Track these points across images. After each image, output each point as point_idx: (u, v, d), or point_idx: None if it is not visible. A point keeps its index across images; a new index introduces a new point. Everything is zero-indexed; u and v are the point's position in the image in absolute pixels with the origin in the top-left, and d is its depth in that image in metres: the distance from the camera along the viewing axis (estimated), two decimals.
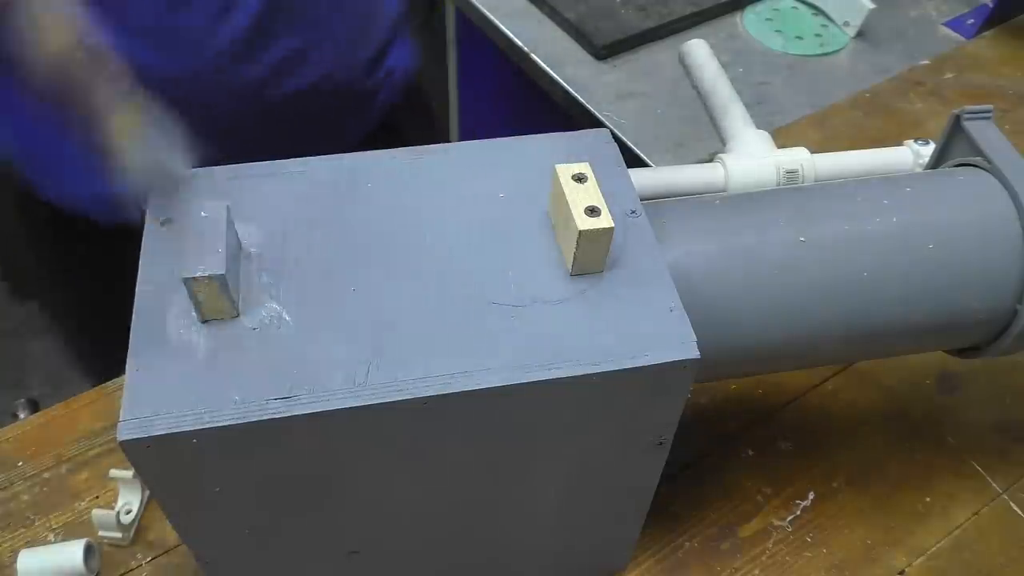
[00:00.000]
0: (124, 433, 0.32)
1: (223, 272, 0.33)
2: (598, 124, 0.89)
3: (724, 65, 0.77)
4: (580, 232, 0.36)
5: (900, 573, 0.54)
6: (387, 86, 0.76)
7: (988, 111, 0.49)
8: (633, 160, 0.85)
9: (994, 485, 0.58)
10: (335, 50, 0.68)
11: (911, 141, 0.71)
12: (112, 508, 0.52)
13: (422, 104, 0.87)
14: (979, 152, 0.47)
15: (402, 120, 0.81)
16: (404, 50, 0.78)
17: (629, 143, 0.86)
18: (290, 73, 0.65)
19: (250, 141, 0.65)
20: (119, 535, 0.52)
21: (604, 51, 0.95)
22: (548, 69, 0.95)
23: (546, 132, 0.44)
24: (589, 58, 0.96)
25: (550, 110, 0.98)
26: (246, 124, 0.64)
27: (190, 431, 0.32)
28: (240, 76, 0.62)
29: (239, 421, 0.32)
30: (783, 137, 0.78)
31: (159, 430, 0.32)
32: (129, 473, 0.53)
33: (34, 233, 0.75)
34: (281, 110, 0.66)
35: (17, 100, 0.59)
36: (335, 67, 0.68)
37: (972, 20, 1.02)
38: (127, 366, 0.34)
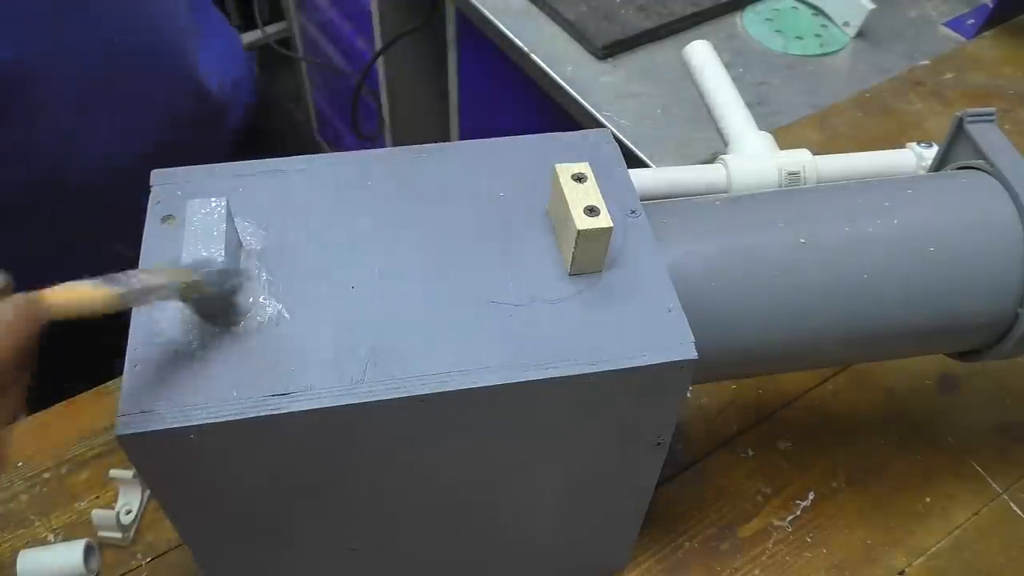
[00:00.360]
0: (122, 428, 0.32)
1: (222, 268, 0.33)
2: (598, 124, 0.89)
3: (724, 65, 0.77)
4: (579, 232, 0.36)
5: (900, 573, 0.54)
6: (235, 100, 0.74)
7: (991, 113, 0.49)
8: (633, 160, 0.85)
9: (994, 485, 0.58)
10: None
11: (914, 144, 0.71)
12: (112, 508, 0.52)
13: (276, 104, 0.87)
14: (981, 155, 0.47)
15: (263, 120, 0.81)
16: (234, 58, 0.76)
17: (629, 143, 0.86)
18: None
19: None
20: (119, 535, 0.52)
21: (604, 51, 0.95)
22: (548, 69, 0.95)
23: (546, 132, 0.44)
24: (589, 58, 0.96)
25: (550, 110, 0.98)
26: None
27: (188, 426, 0.32)
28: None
29: (237, 417, 0.32)
30: (783, 137, 0.78)
31: (157, 425, 0.32)
32: (129, 473, 0.53)
33: None
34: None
35: None
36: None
37: (972, 20, 1.02)
38: (126, 362, 0.34)
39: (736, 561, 0.54)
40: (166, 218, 0.38)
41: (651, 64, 0.96)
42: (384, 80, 1.54)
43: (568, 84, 0.93)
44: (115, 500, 0.53)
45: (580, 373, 0.35)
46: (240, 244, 0.37)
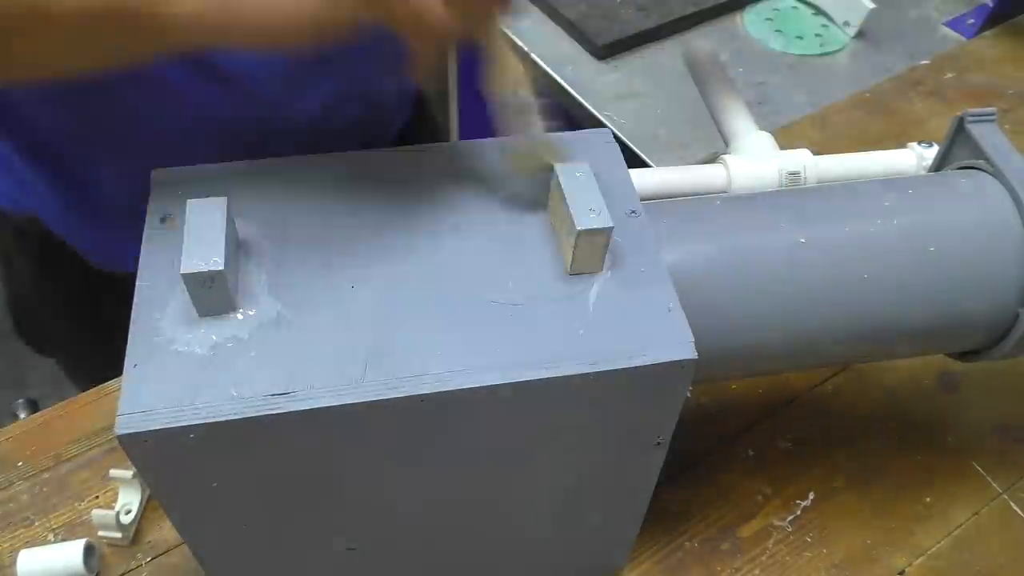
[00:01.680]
0: (122, 427, 0.32)
1: (222, 268, 0.33)
2: (598, 124, 0.89)
3: (724, 65, 0.77)
4: (579, 232, 0.36)
5: (900, 573, 0.54)
6: (402, 106, 0.75)
7: (991, 114, 0.49)
8: (633, 160, 0.85)
9: (994, 485, 0.58)
10: (366, 95, 0.67)
11: (915, 144, 0.71)
12: (112, 508, 0.52)
13: (428, 115, 0.87)
14: (982, 155, 0.47)
15: (414, 132, 0.81)
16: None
17: (629, 143, 0.86)
18: (327, 117, 0.65)
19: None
20: (119, 535, 0.52)
21: (604, 51, 0.95)
22: (548, 69, 0.95)
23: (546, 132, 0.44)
24: (589, 58, 0.96)
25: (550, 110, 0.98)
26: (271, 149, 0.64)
27: (188, 426, 0.32)
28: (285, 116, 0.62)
29: (237, 417, 0.32)
30: (783, 137, 0.78)
31: (157, 425, 0.32)
32: (129, 473, 0.53)
33: (58, 287, 0.71)
34: (311, 142, 0.65)
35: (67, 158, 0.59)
36: (365, 108, 0.68)
37: (972, 20, 1.02)
38: (125, 361, 0.34)
39: (736, 561, 0.54)
40: (165, 218, 0.38)
41: (651, 64, 0.96)
42: None
43: (568, 84, 0.93)
44: (115, 500, 0.53)
45: (580, 373, 0.35)
46: (239, 243, 0.37)
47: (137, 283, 0.36)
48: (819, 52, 0.97)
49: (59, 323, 0.75)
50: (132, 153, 0.58)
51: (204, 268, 0.33)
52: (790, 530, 0.55)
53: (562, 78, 0.94)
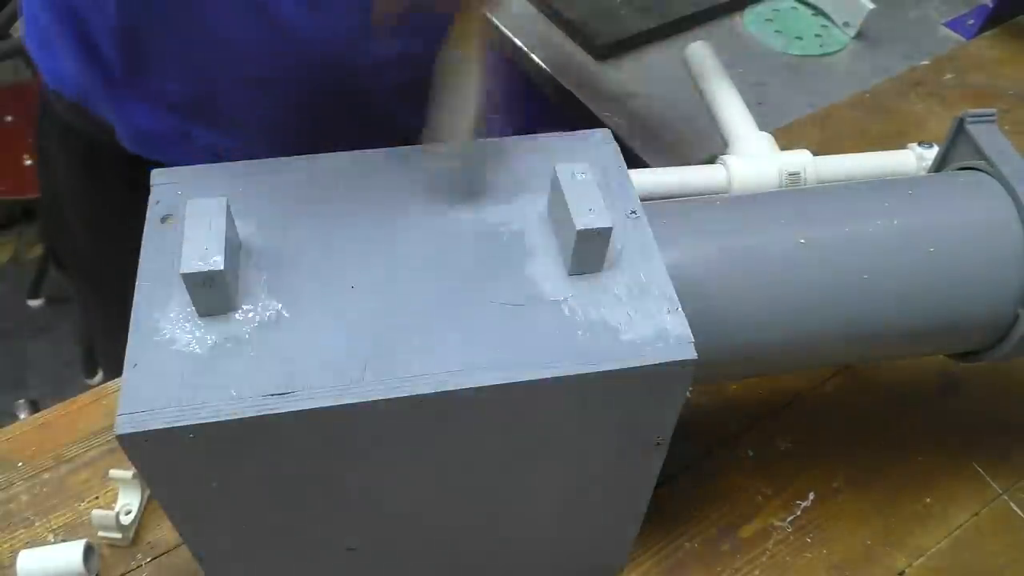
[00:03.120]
0: (122, 427, 0.32)
1: (222, 268, 0.33)
2: (598, 124, 0.89)
3: (724, 65, 0.77)
4: (579, 232, 0.36)
5: (900, 573, 0.54)
6: None
7: (991, 114, 0.49)
8: (633, 160, 0.85)
9: (994, 485, 0.58)
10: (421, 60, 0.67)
11: (914, 144, 0.71)
12: (112, 509, 0.52)
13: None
14: (982, 155, 0.47)
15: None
16: None
17: (629, 143, 0.86)
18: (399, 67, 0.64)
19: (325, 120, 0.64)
20: (119, 536, 0.52)
21: (604, 51, 0.95)
22: (548, 69, 0.95)
23: (546, 132, 0.44)
24: (589, 58, 0.96)
25: (550, 110, 0.98)
26: (334, 105, 0.63)
27: (187, 426, 0.32)
28: (369, 54, 0.62)
29: (236, 417, 0.32)
30: (783, 137, 0.78)
31: (157, 425, 0.32)
32: (129, 474, 0.53)
33: (96, 189, 0.70)
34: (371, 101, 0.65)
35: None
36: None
37: (972, 20, 1.02)
38: (125, 361, 0.34)
39: (736, 561, 0.54)
40: (165, 218, 0.38)
41: (651, 64, 0.96)
42: None
43: (568, 84, 0.93)
44: (115, 500, 0.53)
45: (580, 373, 0.35)
46: (239, 243, 0.37)
47: (137, 283, 0.36)
48: (819, 52, 0.98)
49: (88, 233, 0.74)
50: (188, 57, 0.59)
51: (204, 268, 0.33)
52: (790, 530, 0.55)
53: (562, 78, 0.94)
